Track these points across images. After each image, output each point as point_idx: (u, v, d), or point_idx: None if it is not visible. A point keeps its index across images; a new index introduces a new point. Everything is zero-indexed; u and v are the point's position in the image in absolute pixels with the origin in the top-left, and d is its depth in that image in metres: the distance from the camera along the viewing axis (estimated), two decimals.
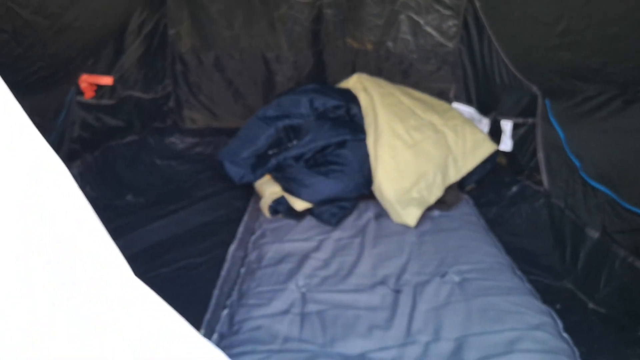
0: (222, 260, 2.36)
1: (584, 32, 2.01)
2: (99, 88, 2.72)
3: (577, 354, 1.73)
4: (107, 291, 0.70)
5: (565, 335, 1.80)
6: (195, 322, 1.88)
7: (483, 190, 3.08)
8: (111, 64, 2.81)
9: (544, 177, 2.67)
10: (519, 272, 2.22)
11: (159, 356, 0.70)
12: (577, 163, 2.36)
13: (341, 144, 2.80)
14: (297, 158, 2.81)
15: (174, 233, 2.62)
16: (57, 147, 2.43)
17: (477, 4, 3.08)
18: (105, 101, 2.82)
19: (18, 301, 0.60)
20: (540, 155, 2.70)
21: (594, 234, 2.20)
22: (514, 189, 2.90)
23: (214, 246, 2.49)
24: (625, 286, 1.97)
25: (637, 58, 1.81)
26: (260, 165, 2.89)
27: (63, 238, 0.68)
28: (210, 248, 2.48)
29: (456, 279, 2.09)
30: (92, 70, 2.64)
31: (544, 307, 1.93)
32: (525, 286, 2.09)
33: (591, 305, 2.06)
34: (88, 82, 2.60)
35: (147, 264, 2.31)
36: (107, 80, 2.67)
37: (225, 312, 1.94)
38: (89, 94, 2.62)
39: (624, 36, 1.80)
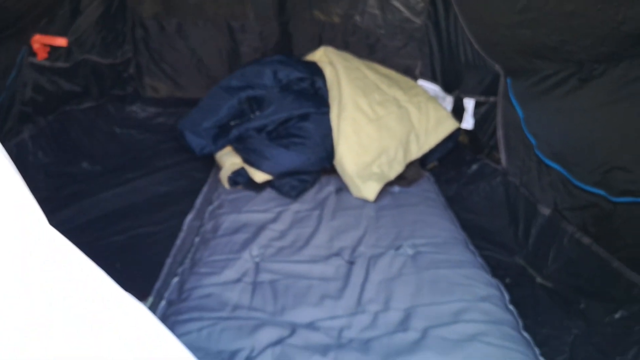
0: (178, 230, 2.34)
1: (543, 9, 2.00)
2: (54, 50, 2.61)
3: (521, 325, 1.77)
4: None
5: (510, 307, 1.85)
6: (146, 290, 1.87)
7: (444, 168, 3.11)
8: (67, 25, 2.69)
9: (502, 156, 2.70)
10: (471, 247, 2.25)
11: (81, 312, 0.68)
12: (533, 141, 2.40)
13: (304, 117, 2.77)
14: (259, 130, 2.77)
15: (130, 202, 2.58)
16: (6, 108, 2.33)
17: None
18: (60, 64, 2.71)
19: None
20: (500, 133, 2.73)
21: (546, 210, 2.25)
22: (474, 167, 2.93)
23: (171, 216, 2.46)
24: (572, 261, 2.03)
25: (593, 35, 1.82)
26: (221, 136, 2.84)
27: None
28: (167, 218, 2.45)
29: (410, 252, 2.11)
30: (46, 31, 2.53)
31: (492, 280, 1.97)
32: (477, 260, 2.12)
33: (539, 279, 2.11)
34: (41, 42, 2.49)
35: (100, 231, 2.28)
36: (61, 42, 2.57)
37: (175, 279, 1.92)
38: (41, 55, 2.51)
39: (580, 13, 1.80)
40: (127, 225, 2.35)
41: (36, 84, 2.56)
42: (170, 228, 2.36)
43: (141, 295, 1.81)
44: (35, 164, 2.60)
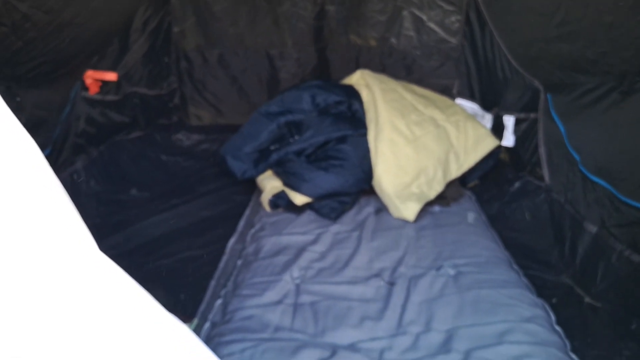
0: (221, 253, 2.40)
1: (581, 22, 1.98)
2: (104, 84, 2.77)
3: (569, 346, 1.71)
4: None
5: (557, 328, 1.79)
6: (191, 312, 1.92)
7: (486, 186, 3.06)
8: (116, 61, 2.87)
9: (545, 173, 2.65)
10: (515, 266, 2.20)
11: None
12: (577, 157, 2.34)
13: (342, 139, 2.82)
14: (299, 153, 2.84)
15: (176, 227, 2.67)
16: (62, 141, 2.48)
17: None
18: (111, 97, 2.87)
19: None
20: (542, 150, 2.67)
21: (592, 228, 2.18)
22: (517, 184, 2.87)
23: (214, 240, 2.52)
24: (622, 280, 1.95)
25: (634, 47, 1.78)
26: (262, 160, 2.92)
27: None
28: (210, 241, 2.51)
29: (451, 272, 2.09)
30: (97, 67, 2.70)
31: (537, 300, 1.92)
32: (521, 280, 2.07)
33: (587, 299, 2.04)
34: (93, 77, 2.66)
35: (148, 256, 2.37)
36: (111, 76, 2.73)
37: (219, 301, 1.97)
38: (93, 90, 2.68)
39: (620, 24, 1.77)
40: (173, 250, 2.43)
41: (88, 117, 2.73)
42: (214, 251, 2.42)
43: (186, 317, 1.86)
44: (87, 192, 2.75)
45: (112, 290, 0.75)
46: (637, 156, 1.93)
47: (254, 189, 3.06)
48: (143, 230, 2.60)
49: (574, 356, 1.67)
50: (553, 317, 1.84)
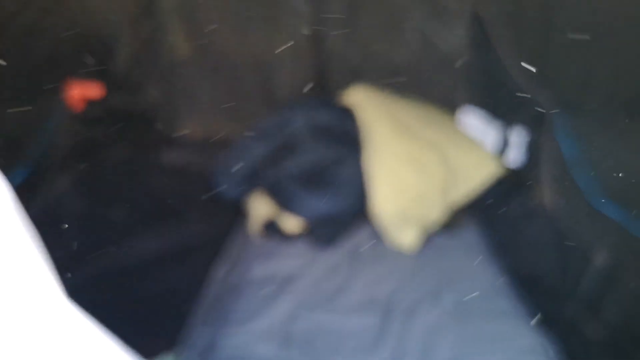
0: (206, 277, 2.44)
1: (592, 42, 2.04)
2: (90, 100, 2.83)
3: None
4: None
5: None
6: (174, 340, 1.97)
7: (489, 211, 3.10)
8: (102, 73, 2.93)
9: (550, 197, 2.70)
10: (516, 297, 2.24)
11: None
12: (582, 182, 2.39)
13: (337, 162, 2.85)
14: (293, 175, 2.86)
15: (162, 249, 2.70)
16: (42, 157, 2.54)
17: (484, 14, 3.14)
18: (96, 112, 2.93)
19: None
20: (547, 173, 2.73)
21: (600, 257, 2.21)
22: (519, 208, 2.91)
23: (201, 264, 2.56)
24: (629, 312, 1.99)
25: None
26: (252, 182, 2.95)
27: None
28: (197, 265, 2.56)
29: (449, 302, 2.12)
30: (83, 82, 2.76)
31: (537, 331, 1.96)
32: (522, 310, 2.11)
33: (592, 330, 2.08)
34: (78, 94, 2.72)
35: (131, 279, 2.40)
36: (97, 93, 2.79)
37: (204, 329, 2.00)
38: (78, 106, 2.74)
39: (632, 44, 1.83)
40: (161, 273, 2.46)
41: (72, 133, 2.78)
42: (199, 275, 2.46)
43: (168, 345, 1.91)
44: (72, 210, 2.79)
45: (75, 335, 0.79)
46: None
47: (245, 211, 3.11)
48: (128, 252, 2.63)
49: None
50: (553, 349, 1.88)
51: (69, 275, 2.29)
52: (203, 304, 2.22)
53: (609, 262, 2.14)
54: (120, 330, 1.97)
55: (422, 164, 2.80)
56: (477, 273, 2.39)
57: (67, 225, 2.69)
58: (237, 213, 3.09)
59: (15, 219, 0.80)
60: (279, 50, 3.58)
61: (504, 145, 3.07)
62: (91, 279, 2.38)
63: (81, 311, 0.85)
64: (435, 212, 2.74)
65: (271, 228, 2.76)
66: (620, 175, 2.19)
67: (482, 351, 1.84)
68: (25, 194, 2.37)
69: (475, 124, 3.38)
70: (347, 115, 3.04)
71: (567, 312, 2.22)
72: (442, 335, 1.95)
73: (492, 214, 3.05)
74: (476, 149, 2.98)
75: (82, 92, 2.69)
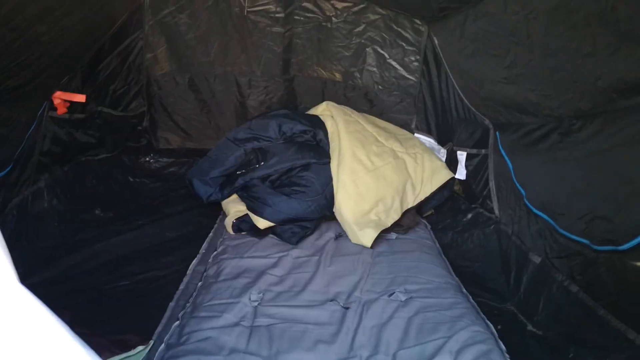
0: (183, 274, 2.35)
1: (528, 65, 2.07)
2: (72, 104, 2.71)
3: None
4: None
5: (502, 345, 1.84)
6: (148, 333, 1.86)
7: (441, 216, 3.13)
8: (85, 81, 2.82)
9: (495, 205, 2.72)
10: (465, 291, 2.24)
11: None
12: (522, 191, 2.42)
13: (306, 167, 2.84)
14: (264, 179, 2.84)
15: (139, 247, 2.60)
16: (25, 159, 2.41)
17: (436, 41, 3.18)
18: (77, 115, 2.81)
19: None
20: (492, 184, 2.76)
21: (537, 259, 2.24)
22: (469, 215, 2.94)
23: (178, 261, 2.47)
24: (561, 309, 2.00)
25: (572, 90, 1.87)
26: (228, 184, 2.91)
27: None
28: (173, 262, 2.46)
29: (402, 297, 2.11)
30: (67, 87, 2.65)
31: (482, 317, 1.96)
32: (469, 302, 2.11)
33: (530, 327, 2.09)
34: (61, 98, 2.60)
35: (108, 276, 2.29)
36: (80, 98, 2.68)
37: (176, 323, 1.92)
38: (61, 110, 2.62)
39: (562, 68, 1.86)
40: (135, 270, 2.36)
41: (55, 136, 2.66)
42: (176, 272, 2.36)
43: (143, 339, 1.81)
44: (50, 211, 2.66)
45: (29, 324, 0.73)
46: (576, 193, 2.00)
47: (219, 212, 3.04)
48: (105, 250, 2.52)
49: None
50: (496, 334, 1.89)
51: (46, 268, 2.19)
52: (178, 298, 2.12)
53: (544, 260, 2.16)
54: (97, 324, 1.87)
55: (381, 171, 2.83)
56: (428, 271, 2.33)
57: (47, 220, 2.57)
58: (214, 212, 3.01)
59: None
60: (252, 68, 3.54)
61: (451, 161, 3.10)
62: (72, 274, 2.25)
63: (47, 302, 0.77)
64: (393, 213, 2.77)
65: (243, 225, 2.70)
66: (546, 186, 2.23)
67: (426, 338, 1.82)
68: (4, 189, 2.25)
69: (427, 140, 3.40)
70: (317, 124, 3.03)
71: (509, 308, 2.22)
72: (393, 327, 1.92)
73: (444, 218, 3.06)
74: (430, 158, 3.01)
75: (65, 96, 2.57)
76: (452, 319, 1.91)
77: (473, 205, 2.94)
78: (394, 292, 2.13)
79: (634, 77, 1.53)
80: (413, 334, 1.85)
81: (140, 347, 1.77)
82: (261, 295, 2.09)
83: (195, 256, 2.51)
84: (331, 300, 2.09)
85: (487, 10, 2.25)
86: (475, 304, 2.14)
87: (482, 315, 2.06)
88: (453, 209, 3.10)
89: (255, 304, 2.02)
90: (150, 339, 1.83)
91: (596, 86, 1.72)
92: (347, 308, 2.04)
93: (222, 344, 1.74)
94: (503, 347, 1.84)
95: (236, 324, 1.87)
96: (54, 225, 2.63)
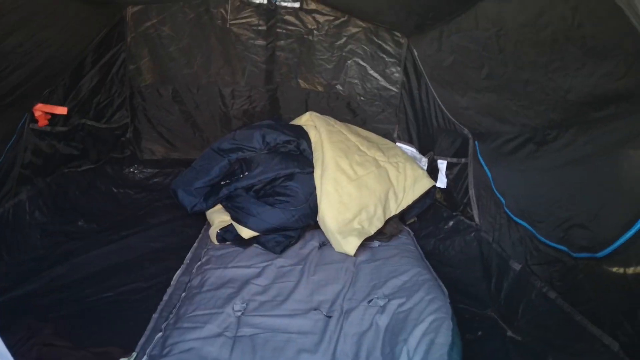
0: (167, 285, 2.33)
1: (503, 77, 2.12)
2: (53, 116, 2.69)
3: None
4: None
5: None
6: (131, 345, 1.85)
7: (423, 223, 3.16)
8: (67, 93, 2.80)
9: (475, 213, 2.76)
10: (445, 290, 2.26)
11: None
12: (502, 200, 2.46)
13: (290, 177, 2.85)
14: (248, 189, 2.85)
15: (123, 258, 2.57)
16: (5, 171, 2.38)
17: (416, 54, 3.23)
18: (59, 128, 2.79)
19: None
20: (472, 192, 2.80)
21: (517, 266, 2.26)
22: (450, 223, 2.98)
23: (162, 272, 2.45)
24: (540, 315, 2.03)
25: (545, 102, 1.92)
26: (212, 194, 2.91)
27: None
28: (157, 273, 2.44)
29: (381, 302, 2.12)
30: (49, 100, 2.63)
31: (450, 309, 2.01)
32: (447, 311, 2.13)
33: (510, 333, 2.11)
34: (42, 110, 2.58)
35: (91, 288, 2.27)
36: (61, 110, 2.66)
37: (159, 335, 1.90)
38: (42, 122, 2.60)
39: (534, 81, 1.91)
40: (119, 281, 2.33)
41: (35, 148, 2.63)
42: (160, 284, 2.35)
43: (125, 351, 1.79)
44: (31, 223, 2.62)
45: None
46: (553, 201, 2.04)
47: (204, 222, 3.02)
48: (89, 261, 2.49)
49: None
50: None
51: (29, 281, 2.16)
52: (161, 309, 2.11)
53: (524, 268, 2.19)
54: (80, 337, 1.85)
55: (364, 180, 2.85)
56: (406, 272, 2.33)
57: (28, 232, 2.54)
58: (199, 223, 3.00)
59: None
60: (236, 79, 3.56)
61: (432, 170, 3.14)
62: (54, 287, 2.22)
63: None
64: (376, 221, 2.79)
65: (227, 235, 2.71)
66: (524, 194, 2.27)
67: (401, 337, 1.84)
68: None
69: (409, 150, 3.44)
70: (300, 134, 3.06)
71: (489, 314, 2.25)
72: (373, 333, 1.93)
73: (426, 225, 3.10)
74: (412, 166, 3.05)
75: (47, 109, 2.55)
76: (438, 327, 1.91)
77: (454, 213, 2.98)
78: (373, 299, 2.14)
79: (601, 90, 1.57)
80: (387, 339, 1.86)
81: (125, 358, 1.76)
82: (244, 305, 2.08)
83: (179, 267, 2.50)
84: (315, 309, 2.09)
85: (460, 27, 2.31)
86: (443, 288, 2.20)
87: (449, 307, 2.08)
88: (435, 216, 3.14)
89: (239, 313, 2.02)
90: (133, 350, 1.82)
91: (566, 99, 1.77)
92: (329, 317, 2.04)
93: (205, 355, 1.73)
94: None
95: (219, 335, 1.86)
96: (36, 238, 2.59)
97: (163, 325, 1.97)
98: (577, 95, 1.70)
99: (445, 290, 2.27)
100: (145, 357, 1.76)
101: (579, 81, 1.66)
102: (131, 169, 3.62)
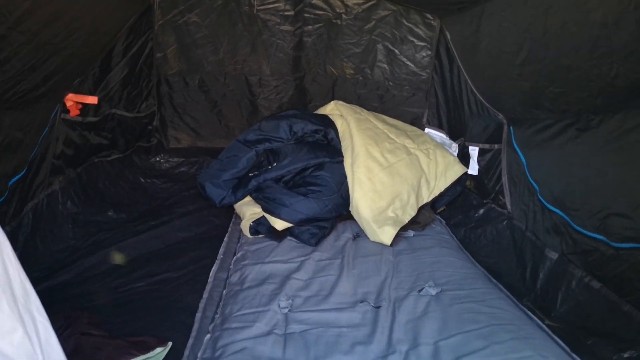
0: (197, 275, 2.34)
1: (542, 62, 2.06)
2: (84, 106, 2.71)
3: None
4: None
5: (543, 325, 1.89)
6: (166, 335, 1.86)
7: (453, 212, 3.13)
8: (97, 83, 2.81)
9: (507, 200, 2.71)
10: (494, 281, 2.26)
11: None
12: (536, 187, 2.41)
13: (319, 166, 2.84)
14: (277, 180, 2.83)
15: (153, 248, 2.60)
16: (39, 162, 2.41)
17: (448, 36, 3.16)
18: (90, 118, 2.81)
19: None
20: (504, 179, 2.75)
21: (553, 254, 2.24)
22: (481, 211, 2.94)
23: (191, 261, 2.47)
24: (581, 304, 2.02)
25: (589, 88, 1.86)
26: (240, 186, 2.90)
27: None
28: (187, 263, 2.47)
29: (432, 292, 2.13)
30: (79, 89, 2.64)
31: (518, 306, 2.01)
32: (502, 291, 2.13)
33: (547, 322, 2.08)
34: (74, 100, 2.59)
35: (123, 278, 2.30)
36: (92, 100, 2.67)
37: (207, 337, 1.89)
38: (74, 112, 2.61)
39: (577, 67, 1.85)
40: (150, 271, 2.36)
41: (67, 138, 2.65)
42: (190, 273, 2.37)
43: (161, 341, 1.81)
44: (64, 213, 2.66)
45: None
46: (590, 189, 2.00)
47: (231, 211, 3.03)
48: (120, 251, 2.52)
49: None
50: (536, 319, 1.93)
51: (63, 271, 2.19)
52: (204, 308, 2.06)
53: (561, 256, 2.14)
54: (115, 326, 1.87)
55: (396, 167, 2.83)
56: (451, 264, 2.35)
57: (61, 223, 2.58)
58: (225, 212, 3.01)
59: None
60: (262, 67, 3.54)
61: (463, 156, 3.09)
62: (87, 277, 2.25)
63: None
64: (409, 209, 2.77)
65: (260, 227, 2.69)
66: (560, 182, 2.21)
67: (467, 327, 1.83)
68: (19, 193, 2.25)
69: (438, 135, 3.38)
70: (327, 123, 3.03)
71: (525, 304, 2.21)
72: (429, 319, 1.92)
73: (456, 214, 3.05)
74: (443, 153, 3.04)
75: (78, 99, 2.56)
76: (490, 309, 1.92)
77: (485, 201, 2.93)
78: (423, 288, 2.14)
79: None
80: (452, 325, 1.86)
81: (158, 349, 1.77)
82: (290, 301, 2.06)
83: (209, 256, 2.51)
84: (361, 302, 2.07)
85: (507, 3, 2.23)
86: (509, 294, 2.17)
87: (522, 307, 2.07)
88: (465, 204, 3.11)
89: (286, 310, 1.99)
90: (168, 340, 1.83)
91: (613, 85, 1.71)
92: (378, 307, 2.03)
93: (259, 355, 1.72)
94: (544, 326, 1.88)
95: (269, 333, 1.84)
96: (68, 228, 2.63)
97: (210, 327, 1.95)
98: (625, 82, 1.64)
99: (496, 282, 2.28)
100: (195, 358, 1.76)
101: (628, 68, 1.59)
102: (157, 159, 3.64)
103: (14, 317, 0.80)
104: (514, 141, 2.66)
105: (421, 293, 2.12)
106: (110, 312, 2.04)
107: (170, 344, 1.82)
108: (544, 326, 1.89)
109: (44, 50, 2.00)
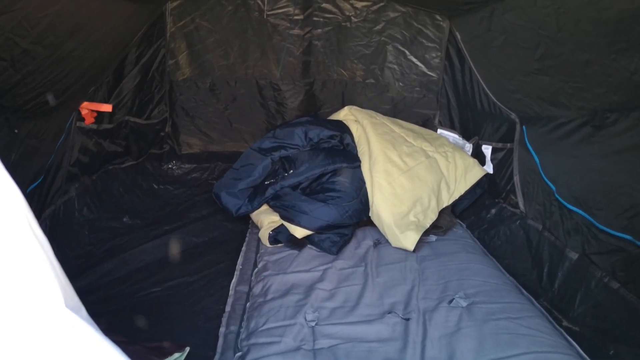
0: (212, 279, 2.35)
1: (560, 57, 2.03)
2: (99, 114, 2.74)
3: None
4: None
5: (585, 355, 1.80)
6: (183, 340, 1.87)
7: (465, 213, 3.11)
8: (110, 91, 2.85)
9: (520, 200, 2.69)
10: (526, 293, 2.19)
11: None
12: (552, 186, 2.38)
13: (336, 172, 2.80)
14: (294, 187, 2.80)
15: (167, 253, 2.62)
16: (55, 169, 2.44)
17: (459, 37, 3.15)
18: (104, 126, 2.84)
19: None
20: (517, 178, 2.73)
21: (573, 255, 2.20)
22: (493, 211, 2.92)
23: (205, 266, 2.50)
24: (600, 305, 1.98)
25: (607, 84, 1.84)
26: (257, 195, 2.86)
27: None
28: (201, 267, 2.50)
29: (463, 303, 2.05)
30: (94, 97, 2.67)
31: (556, 328, 1.93)
32: (536, 307, 2.07)
33: (565, 323, 2.06)
34: (89, 109, 2.63)
35: (139, 283, 2.32)
36: (107, 108, 2.71)
37: (238, 354, 1.84)
38: (89, 120, 2.65)
39: (595, 62, 1.83)
40: (165, 276, 2.39)
41: (82, 146, 2.69)
42: (205, 277, 2.40)
43: (178, 346, 1.81)
44: (80, 220, 2.70)
45: (78, 347, 0.74)
46: (614, 187, 1.96)
47: (245, 216, 3.02)
48: (135, 257, 2.55)
49: None
50: (577, 346, 1.85)
51: (80, 277, 2.21)
52: (227, 322, 2.02)
53: (581, 256, 2.11)
54: (133, 331, 1.89)
55: (415, 171, 2.80)
56: (480, 272, 2.26)
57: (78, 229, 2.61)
58: (239, 217, 3.00)
59: (25, 223, 0.74)
60: (273, 71, 3.56)
61: (477, 156, 3.07)
62: (104, 282, 2.28)
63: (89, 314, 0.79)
64: (430, 214, 2.73)
65: (280, 236, 2.62)
66: (579, 181, 2.17)
67: (507, 351, 1.72)
68: (37, 200, 2.28)
69: (451, 136, 3.37)
70: (342, 129, 3.02)
71: (541, 304, 2.19)
72: (464, 337, 1.83)
73: (467, 215, 3.03)
74: (461, 155, 3.01)
75: (93, 107, 2.60)
76: (528, 330, 1.84)
77: (496, 200, 2.90)
78: (454, 299, 2.07)
79: None
80: (489, 346, 1.76)
81: (176, 354, 1.78)
82: (316, 314, 1.99)
83: (223, 260, 2.53)
84: (389, 313, 2.00)
85: (517, 4, 2.21)
86: (542, 308, 2.10)
87: (556, 326, 2.00)
88: (476, 205, 3.08)
89: (313, 324, 1.94)
90: (186, 345, 1.83)
91: (631, 80, 1.69)
92: (407, 319, 1.96)
93: None
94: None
95: (298, 348, 1.78)
96: (84, 234, 2.66)
97: (238, 342, 1.91)
98: None
99: (527, 293, 2.23)
100: None
101: None
102: (170, 165, 3.67)
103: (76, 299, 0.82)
104: (526, 140, 2.64)
105: (451, 304, 2.03)
106: (127, 317, 2.06)
107: (187, 349, 1.83)
108: (582, 352, 1.83)
109: (65, 64, 2.05)
